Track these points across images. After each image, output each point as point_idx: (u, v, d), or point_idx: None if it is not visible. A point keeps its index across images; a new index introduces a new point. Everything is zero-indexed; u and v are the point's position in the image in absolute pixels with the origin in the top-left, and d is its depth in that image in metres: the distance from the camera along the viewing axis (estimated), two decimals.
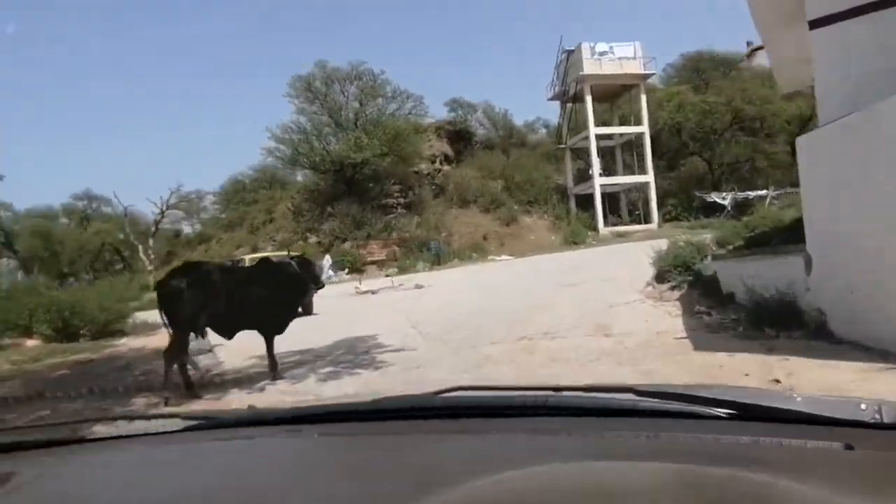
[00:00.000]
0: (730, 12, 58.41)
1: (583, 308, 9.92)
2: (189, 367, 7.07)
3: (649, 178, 34.76)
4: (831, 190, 6.41)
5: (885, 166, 5.57)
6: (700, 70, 40.93)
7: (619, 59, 34.63)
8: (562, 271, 15.73)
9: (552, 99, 38.16)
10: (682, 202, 36.04)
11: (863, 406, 0.94)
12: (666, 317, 8.81)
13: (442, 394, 1.21)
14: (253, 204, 38.69)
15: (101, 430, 1.35)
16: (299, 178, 38.96)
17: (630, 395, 1.03)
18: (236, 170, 52.46)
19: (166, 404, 6.11)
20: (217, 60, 79.85)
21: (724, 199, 34.12)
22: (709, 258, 11.33)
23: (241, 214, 37.21)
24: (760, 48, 28.65)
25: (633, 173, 36.17)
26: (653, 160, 34.84)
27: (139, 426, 1.38)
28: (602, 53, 34.61)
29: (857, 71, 6.45)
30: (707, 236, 13.52)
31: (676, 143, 37.74)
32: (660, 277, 11.26)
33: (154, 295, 7.47)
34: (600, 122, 36.43)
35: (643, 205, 36.01)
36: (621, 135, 37.25)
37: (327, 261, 24.90)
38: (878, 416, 0.90)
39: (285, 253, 28.82)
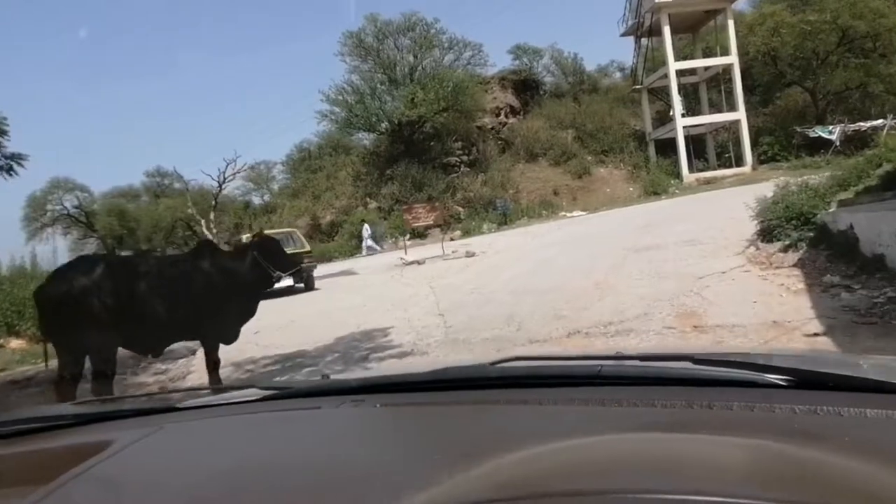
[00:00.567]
0: None
1: (662, 283, 7.33)
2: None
3: (740, 115, 30.39)
4: None
5: None
6: None
7: None
8: (638, 228, 12.97)
9: (625, 34, 34.07)
10: (780, 140, 31.41)
11: None
12: (783, 294, 6.10)
13: (499, 364, 1.21)
14: (318, 171, 37.30)
15: (186, 400, 1.42)
16: (365, 142, 37.10)
17: (687, 364, 1.00)
18: (302, 137, 51.12)
19: None
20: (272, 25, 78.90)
21: (832, 132, 29.35)
22: (833, 206, 8.35)
23: (305, 182, 35.94)
24: None
25: (720, 111, 31.86)
26: (743, 95, 30.39)
27: (220, 396, 1.45)
28: None
29: None
30: (815, 178, 10.36)
31: (771, 73, 32.82)
32: (766, 234, 8.41)
33: None
34: (680, 57, 32.17)
35: (734, 146, 31.75)
36: (706, 69, 32.81)
37: (367, 230, 22.97)
38: None
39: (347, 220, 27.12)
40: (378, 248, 23.40)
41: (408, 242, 26.96)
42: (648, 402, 0.93)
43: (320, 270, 18.08)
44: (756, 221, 8.81)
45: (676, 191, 28.61)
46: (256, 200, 44.85)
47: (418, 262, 14.15)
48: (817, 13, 29.91)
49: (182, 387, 5.27)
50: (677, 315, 5.77)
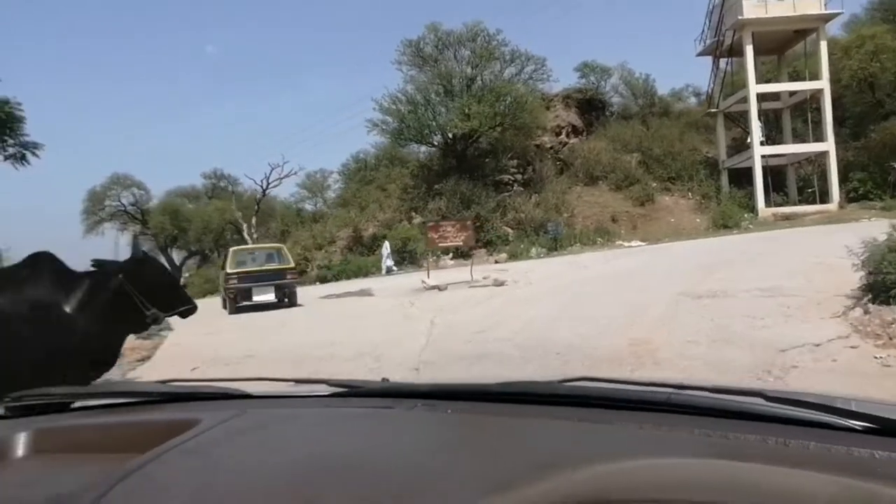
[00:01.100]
0: None
1: (725, 352, 5.13)
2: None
3: (828, 146, 27.09)
4: None
5: None
6: None
7: None
8: (702, 268, 10.61)
9: (702, 54, 31.30)
10: (873, 177, 27.83)
11: None
12: None
13: (567, 382, 1.22)
14: (371, 182, 36.08)
15: (262, 388, 1.47)
16: (420, 155, 35.60)
17: (759, 400, 0.98)
18: (359, 146, 50.20)
19: None
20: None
21: None
22: None
23: (355, 193, 34.75)
24: None
25: (804, 142, 28.58)
26: (833, 126, 27.08)
27: (294, 389, 1.51)
28: None
29: None
30: None
31: (866, 102, 29.30)
32: (879, 292, 6.04)
33: None
34: (762, 81, 29.15)
35: (818, 180, 28.37)
36: (791, 94, 29.64)
37: (386, 248, 21.16)
38: None
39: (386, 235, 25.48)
40: (395, 269, 21.51)
41: (451, 262, 25.18)
42: (721, 433, 0.91)
43: (335, 289, 16.49)
44: (862, 273, 6.45)
45: (750, 226, 25.60)
46: (309, 208, 44.23)
47: (439, 289, 12.22)
48: None
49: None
50: None
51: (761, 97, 28.01)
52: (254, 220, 26.97)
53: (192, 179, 55.04)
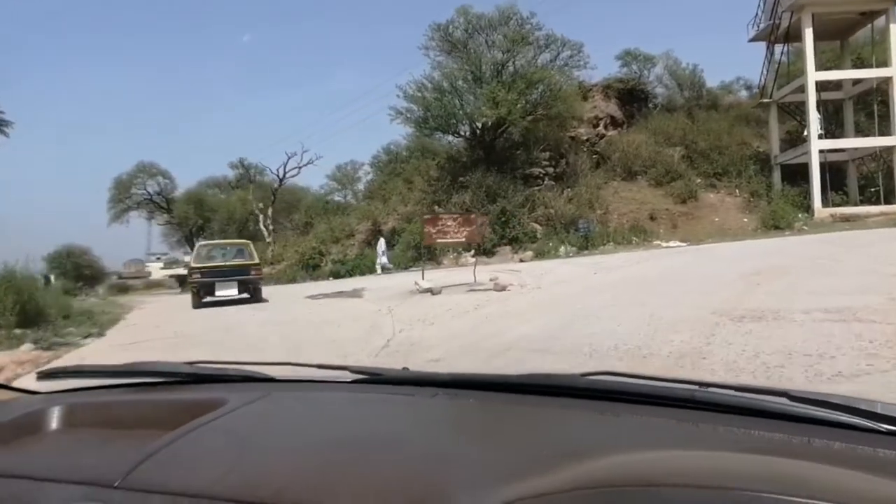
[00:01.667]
0: None
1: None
2: None
3: (895, 140, 24.20)
4: None
5: None
6: None
7: None
8: (747, 277, 8.61)
9: (755, 39, 28.55)
10: None
11: None
12: None
13: (589, 375, 1.19)
14: (398, 174, 34.57)
15: (286, 372, 1.47)
16: (451, 146, 33.81)
17: (784, 400, 0.97)
18: (391, 138, 48.66)
19: None
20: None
21: None
22: None
23: (381, 185, 33.32)
24: None
25: (868, 136, 25.67)
26: None
27: (317, 374, 1.48)
28: None
29: None
30: None
31: None
32: None
33: None
34: (822, 69, 26.29)
35: (884, 179, 25.45)
36: (855, 83, 26.71)
37: (381, 245, 19.45)
38: None
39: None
40: (391, 266, 19.85)
41: (471, 259, 23.39)
42: (745, 429, 0.90)
43: (333, 287, 15.01)
44: None
45: (804, 227, 22.99)
46: (339, 199, 43.10)
47: (432, 292, 10.50)
48: None
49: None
50: None
51: (820, 86, 25.23)
52: (270, 211, 25.74)
53: (225, 170, 54.48)
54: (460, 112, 26.23)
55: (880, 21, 25.38)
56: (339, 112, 79.00)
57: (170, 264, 44.37)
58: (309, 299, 12.41)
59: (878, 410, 0.91)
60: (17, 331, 8.44)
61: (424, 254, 23.23)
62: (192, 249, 40.94)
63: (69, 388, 1.43)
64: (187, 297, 14.33)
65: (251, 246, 15.11)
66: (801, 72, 25.46)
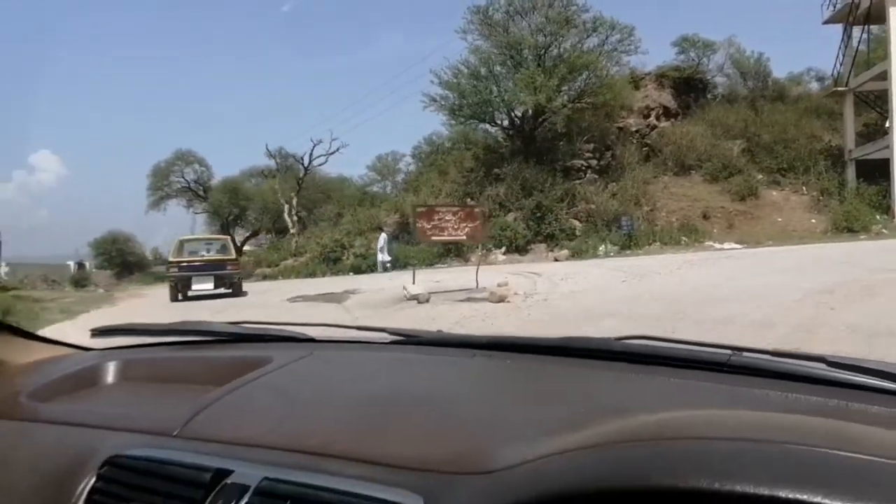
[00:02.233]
0: None
1: None
2: None
3: None
4: None
5: None
6: None
7: None
8: (817, 296, 6.54)
9: (830, 21, 25.42)
10: None
11: None
12: None
13: (624, 339, 1.18)
14: (433, 165, 32.91)
15: (327, 333, 1.52)
16: (490, 137, 31.91)
17: (821, 365, 0.95)
18: (433, 128, 46.91)
19: None
20: None
21: None
22: None
23: (417, 176, 31.76)
24: None
25: None
26: None
27: (356, 334, 1.55)
28: None
29: None
30: None
31: None
32: None
33: None
34: None
35: None
36: None
37: (382, 240, 17.71)
38: None
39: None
40: (389, 264, 18.11)
41: (502, 257, 21.54)
42: (782, 393, 0.89)
43: (329, 286, 13.59)
44: None
45: (884, 230, 20.08)
46: (377, 190, 41.85)
47: (419, 300, 8.77)
48: None
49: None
50: None
51: None
52: (294, 201, 24.56)
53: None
54: (497, 99, 24.28)
55: None
56: (378, 105, 77.93)
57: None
58: (288, 302, 10.91)
59: None
60: None
61: (452, 250, 21.68)
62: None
63: (121, 345, 1.51)
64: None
65: (229, 241, 15.14)
66: (884, 56, 22.35)
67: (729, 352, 1.03)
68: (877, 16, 22.71)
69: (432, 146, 39.00)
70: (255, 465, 0.81)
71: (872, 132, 24.04)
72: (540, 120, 25.66)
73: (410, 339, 1.38)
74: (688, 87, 30.92)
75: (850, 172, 23.79)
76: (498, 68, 24.77)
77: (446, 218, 9.85)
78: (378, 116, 76.61)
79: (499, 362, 1.20)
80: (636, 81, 29.55)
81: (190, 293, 13.31)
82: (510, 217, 22.71)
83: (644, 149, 27.14)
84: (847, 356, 0.96)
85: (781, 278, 8.70)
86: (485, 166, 25.32)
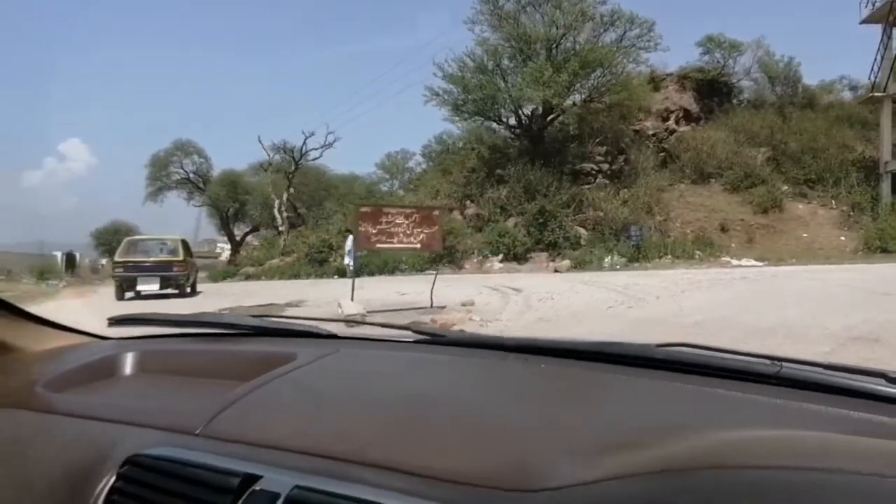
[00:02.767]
0: None
1: None
2: None
3: None
4: None
5: None
6: None
7: None
8: (857, 343, 4.86)
9: (868, 21, 23.28)
10: None
11: None
12: None
13: (665, 346, 1.11)
14: (442, 164, 31.30)
15: (350, 330, 1.51)
16: (498, 136, 30.15)
17: (881, 381, 0.89)
18: (443, 127, 45.24)
19: None
20: None
21: None
22: None
23: (419, 176, 30.23)
24: None
25: None
26: None
27: (380, 332, 1.51)
28: None
29: None
30: None
31: None
32: None
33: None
34: None
35: None
36: None
37: (349, 243, 16.09)
38: None
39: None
40: (352, 269, 16.55)
41: (499, 265, 19.88)
42: (837, 409, 0.83)
43: (274, 294, 12.22)
44: None
45: None
46: (385, 189, 40.42)
47: (358, 320, 7.22)
48: None
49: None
50: None
51: None
52: (285, 196, 23.15)
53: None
54: (504, 95, 22.60)
55: None
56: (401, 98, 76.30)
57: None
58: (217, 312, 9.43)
59: None
60: None
61: (445, 255, 20.05)
62: (227, 235, 39.58)
63: (139, 335, 1.45)
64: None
65: (181, 243, 14.61)
66: None
67: (777, 363, 0.97)
68: None
69: (442, 145, 37.43)
70: (285, 471, 0.77)
71: None
72: (549, 119, 23.97)
73: (437, 339, 1.33)
74: (711, 91, 28.98)
75: (886, 186, 21.68)
76: (506, 62, 23.12)
77: (396, 222, 8.22)
78: (391, 111, 74.97)
79: (533, 366, 1.12)
80: (656, 82, 27.72)
81: (132, 293, 13.30)
82: (510, 222, 21.03)
83: (661, 154, 25.30)
84: None
85: (808, 310, 6.98)
86: (488, 167, 23.68)
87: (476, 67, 23.22)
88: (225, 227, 34.95)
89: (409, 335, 1.36)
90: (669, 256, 19.49)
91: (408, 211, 8.87)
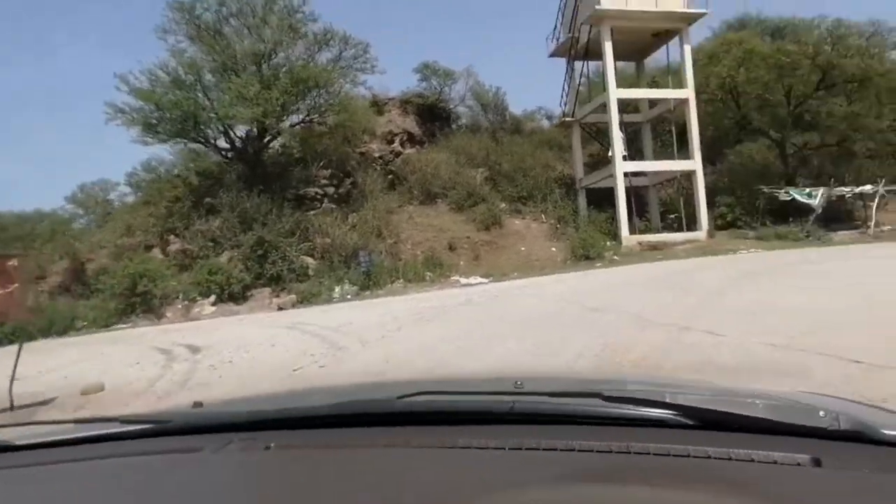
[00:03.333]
0: None
1: None
2: None
3: (695, 164, 22.46)
4: None
5: None
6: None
7: None
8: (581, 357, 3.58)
9: (555, 54, 25.87)
10: (741, 202, 23.71)
11: (821, 413, 0.90)
12: None
13: (405, 398, 1.08)
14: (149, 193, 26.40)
15: (25, 436, 1.14)
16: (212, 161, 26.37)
17: (598, 401, 0.96)
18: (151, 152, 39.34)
19: None
20: None
21: (812, 196, 21.77)
22: None
23: (108, 210, 25.22)
24: None
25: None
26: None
27: (74, 431, 1.17)
28: None
29: None
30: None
31: (731, 118, 25.35)
32: None
33: None
34: (624, 87, 24.12)
35: (684, 205, 23.66)
36: (652, 105, 25.00)
37: None
38: (836, 424, 0.87)
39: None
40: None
41: (211, 308, 16.77)
42: (566, 445, 0.87)
43: None
44: None
45: (615, 256, 19.93)
46: (82, 226, 33.44)
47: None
48: (796, 45, 22.59)
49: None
50: None
51: (622, 107, 22.92)
52: None
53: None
54: (208, 114, 19.62)
55: (676, 42, 23.83)
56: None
57: None
58: None
59: (680, 401, 0.91)
60: None
61: (139, 303, 16.27)
62: None
63: None
64: None
65: None
66: (603, 89, 23.01)
67: (512, 399, 0.99)
68: (594, 51, 23.34)
69: (152, 172, 32.17)
70: None
71: (597, 162, 24.67)
72: (266, 141, 21.63)
73: (152, 429, 1.11)
74: (432, 115, 29.66)
75: (582, 200, 24.02)
76: (209, 77, 20.15)
77: None
78: (80, 135, 64.19)
79: (259, 452, 0.97)
80: (379, 105, 27.42)
81: None
82: (224, 257, 18.09)
83: (388, 176, 24.73)
84: (622, 388, 0.90)
85: (527, 344, 5.92)
86: (196, 195, 20.33)
87: (171, 82, 19.82)
88: None
89: (115, 428, 1.11)
90: (401, 280, 18.57)
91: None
